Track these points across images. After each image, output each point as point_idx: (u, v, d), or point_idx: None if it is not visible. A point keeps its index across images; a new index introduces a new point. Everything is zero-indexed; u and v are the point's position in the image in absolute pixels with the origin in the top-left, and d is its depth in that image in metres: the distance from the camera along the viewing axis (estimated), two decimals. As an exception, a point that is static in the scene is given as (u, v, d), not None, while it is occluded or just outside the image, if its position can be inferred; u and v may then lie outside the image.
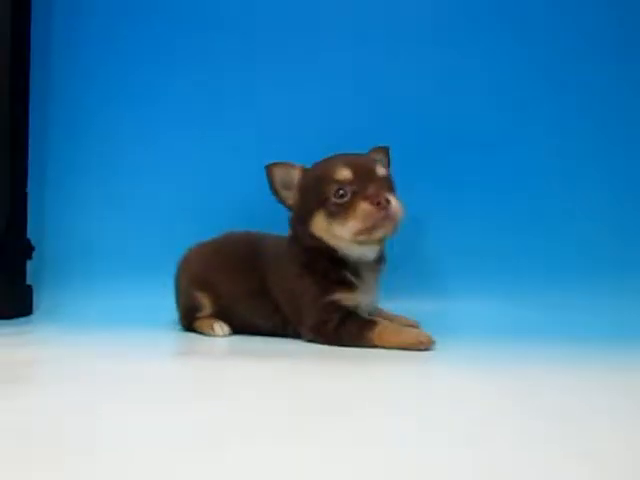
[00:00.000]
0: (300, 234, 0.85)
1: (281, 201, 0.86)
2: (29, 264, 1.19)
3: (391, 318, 0.89)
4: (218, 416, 0.44)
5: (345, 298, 0.81)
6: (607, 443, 0.39)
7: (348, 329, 0.79)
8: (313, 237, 0.82)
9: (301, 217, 0.84)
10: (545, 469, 0.34)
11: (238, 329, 0.91)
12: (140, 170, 1.20)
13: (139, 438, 0.39)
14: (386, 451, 0.36)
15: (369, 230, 0.77)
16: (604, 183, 1.06)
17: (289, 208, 0.86)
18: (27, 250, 1.18)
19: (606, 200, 1.06)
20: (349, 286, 0.82)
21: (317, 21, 1.16)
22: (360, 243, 0.80)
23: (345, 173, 0.78)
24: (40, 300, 1.18)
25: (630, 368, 0.68)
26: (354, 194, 0.77)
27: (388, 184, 0.81)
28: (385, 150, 0.89)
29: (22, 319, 1.12)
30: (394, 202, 0.77)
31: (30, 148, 1.19)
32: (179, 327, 0.98)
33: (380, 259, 0.87)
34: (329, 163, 0.82)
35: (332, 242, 0.81)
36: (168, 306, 0.99)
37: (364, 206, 0.76)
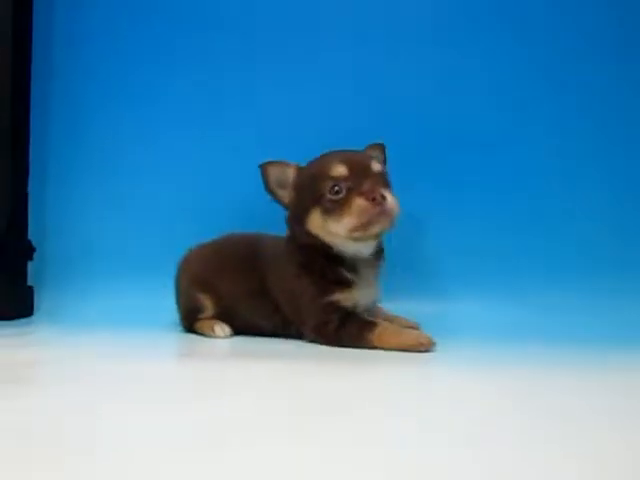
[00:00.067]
0: (297, 232, 0.85)
1: (277, 200, 0.86)
2: (30, 265, 1.19)
3: (391, 319, 0.89)
4: (218, 416, 0.45)
5: (344, 298, 0.81)
6: (607, 443, 0.39)
7: (348, 330, 0.78)
8: (309, 235, 0.82)
9: (297, 215, 0.84)
10: (545, 469, 0.34)
11: (240, 330, 0.91)
12: (141, 170, 1.20)
13: (139, 438, 0.39)
14: (386, 451, 0.37)
15: (365, 226, 0.77)
16: (604, 183, 1.06)
17: (285, 207, 0.86)
18: (28, 251, 1.18)
19: (606, 200, 1.05)
20: (347, 285, 0.82)
21: (317, 21, 1.16)
22: (356, 239, 0.80)
23: (340, 169, 0.78)
24: (41, 301, 1.19)
25: (630, 368, 0.68)
26: (349, 190, 0.77)
27: (383, 180, 0.81)
28: (381, 147, 0.89)
29: (23, 320, 1.12)
30: (390, 198, 0.77)
31: (31, 149, 1.19)
32: (180, 328, 0.98)
33: (378, 255, 0.87)
34: (324, 160, 0.82)
35: (328, 239, 0.81)
36: (169, 307, 1.00)
37: (359, 202, 0.76)
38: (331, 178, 0.78)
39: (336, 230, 0.79)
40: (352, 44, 1.14)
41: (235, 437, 0.39)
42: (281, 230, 0.91)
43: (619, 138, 1.06)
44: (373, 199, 0.75)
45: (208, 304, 0.93)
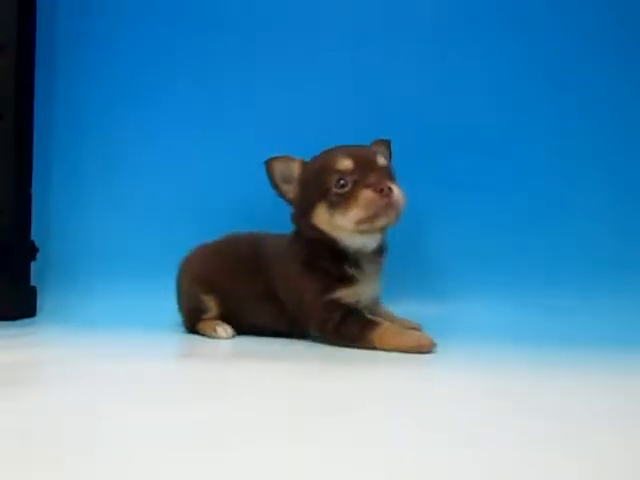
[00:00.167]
0: (302, 227, 0.85)
1: (282, 195, 0.85)
2: (33, 265, 1.19)
3: (392, 320, 0.90)
4: (218, 416, 0.45)
5: (346, 295, 0.82)
6: (607, 443, 0.39)
7: (349, 328, 0.79)
8: (315, 229, 0.82)
9: (302, 210, 0.84)
10: (545, 469, 0.34)
11: (245, 330, 0.91)
12: (143, 172, 1.21)
13: (139, 438, 0.39)
14: (386, 451, 0.37)
15: (371, 218, 0.77)
16: (604, 183, 1.06)
17: (290, 202, 0.86)
18: (31, 251, 1.18)
19: (606, 200, 1.05)
20: (350, 281, 0.82)
21: (317, 21, 1.16)
22: (362, 232, 0.80)
23: (346, 163, 0.78)
24: (44, 301, 1.19)
25: (630, 369, 0.68)
26: (355, 183, 0.77)
27: (389, 174, 0.81)
28: (386, 143, 0.89)
29: (26, 320, 1.12)
30: (396, 190, 0.77)
31: (35, 150, 1.20)
32: (182, 329, 0.98)
33: (381, 250, 0.87)
34: (329, 154, 0.82)
35: (334, 233, 0.81)
36: (171, 307, 1.00)
37: (367, 194, 0.76)
38: (337, 172, 0.78)
39: (342, 223, 0.79)
40: (351, 44, 1.14)
41: (235, 437, 0.39)
42: (282, 230, 0.91)
43: (619, 138, 1.06)
44: (380, 190, 0.75)
45: (212, 305, 0.93)
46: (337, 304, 0.81)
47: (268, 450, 0.37)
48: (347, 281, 0.82)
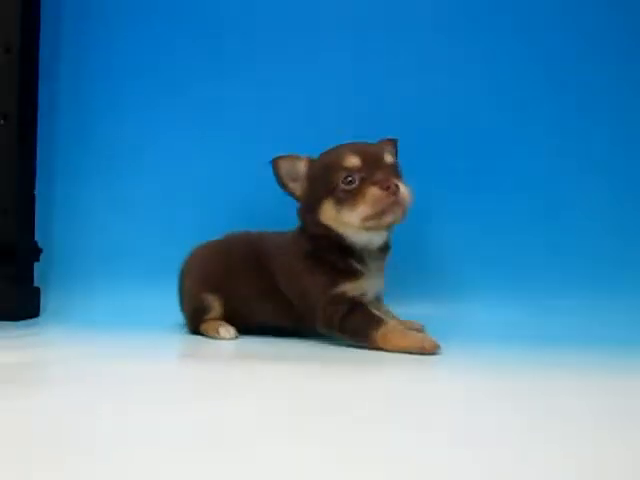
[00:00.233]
0: (308, 223, 0.85)
1: (289, 193, 0.86)
2: (37, 266, 1.20)
3: (385, 314, 0.91)
4: (219, 416, 0.45)
5: (352, 288, 0.82)
6: (607, 443, 0.39)
7: (354, 322, 0.79)
8: (321, 225, 0.83)
9: (309, 206, 0.84)
10: (545, 469, 0.34)
11: (250, 328, 0.91)
12: (145, 172, 1.21)
13: (140, 438, 0.39)
14: (386, 451, 0.37)
15: (378, 215, 0.77)
16: (604, 183, 1.06)
17: (297, 199, 0.87)
18: (35, 252, 1.18)
19: (606, 200, 1.05)
20: (355, 275, 0.82)
21: (317, 21, 1.16)
22: (368, 229, 0.80)
23: (353, 160, 0.79)
24: (47, 302, 1.19)
25: (630, 369, 0.68)
26: (362, 180, 0.78)
27: (396, 172, 0.82)
28: (393, 142, 0.90)
29: (29, 321, 1.12)
30: (403, 188, 0.77)
31: (38, 151, 1.20)
32: (185, 330, 0.98)
33: (385, 248, 0.87)
34: (336, 151, 0.83)
35: (340, 230, 0.82)
36: (175, 308, 1.00)
37: (374, 191, 0.76)
38: (344, 169, 0.79)
39: (349, 220, 0.79)
40: (352, 44, 1.14)
41: (235, 437, 0.40)
42: (282, 229, 0.91)
43: (619, 138, 1.06)
44: (387, 188, 0.75)
45: (215, 304, 0.93)
46: (343, 297, 0.81)
47: (268, 450, 0.37)
48: (352, 275, 0.82)
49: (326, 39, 1.15)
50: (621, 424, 0.45)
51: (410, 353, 0.74)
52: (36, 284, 1.19)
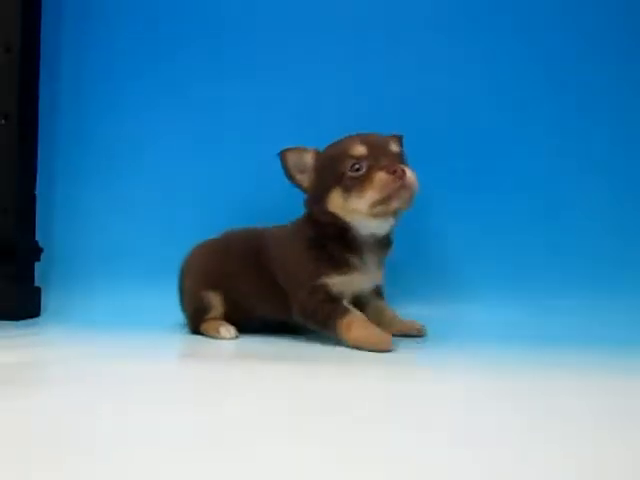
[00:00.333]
0: (315, 213, 0.86)
1: (297, 185, 0.87)
2: (37, 266, 1.20)
3: (395, 321, 0.91)
4: (219, 416, 0.45)
5: (339, 282, 0.83)
6: (607, 443, 0.39)
7: (323, 312, 0.81)
8: (328, 214, 0.83)
9: (317, 197, 0.85)
10: (545, 469, 0.34)
11: (251, 324, 0.91)
12: (143, 172, 1.21)
13: (140, 438, 0.39)
14: (386, 451, 0.37)
15: (386, 200, 0.78)
16: (604, 183, 1.06)
17: (305, 191, 0.87)
18: (36, 252, 1.19)
19: (606, 200, 1.05)
20: (346, 268, 0.83)
21: (317, 21, 1.16)
22: (376, 215, 0.81)
23: (360, 149, 0.80)
24: (48, 301, 1.19)
25: (630, 369, 0.68)
26: (369, 167, 0.79)
27: (402, 160, 0.83)
28: (398, 138, 0.90)
29: (30, 320, 1.13)
30: (409, 173, 0.78)
31: (39, 151, 1.20)
32: (186, 330, 0.98)
33: (387, 243, 0.88)
34: (343, 142, 0.84)
35: (348, 218, 0.82)
36: (175, 308, 1.00)
37: (381, 175, 0.77)
38: (351, 157, 0.80)
39: (357, 206, 0.80)
40: (352, 44, 1.14)
41: (235, 437, 0.40)
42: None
43: (619, 138, 1.06)
44: (394, 172, 0.76)
45: (216, 302, 0.94)
46: (324, 290, 0.82)
47: (268, 450, 0.37)
48: (344, 268, 0.83)
49: (326, 39, 1.15)
50: (621, 424, 0.45)
51: (364, 348, 0.76)
52: (37, 284, 1.20)
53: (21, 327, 1.03)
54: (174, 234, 1.15)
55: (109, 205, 1.22)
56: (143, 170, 1.21)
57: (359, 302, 0.91)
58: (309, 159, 0.86)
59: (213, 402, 0.50)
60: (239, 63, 1.19)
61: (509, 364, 0.69)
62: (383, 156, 0.79)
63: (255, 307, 0.92)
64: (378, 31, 1.14)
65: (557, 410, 0.48)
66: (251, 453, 0.36)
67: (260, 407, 0.48)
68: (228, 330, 0.90)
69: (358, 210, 0.80)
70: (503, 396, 0.54)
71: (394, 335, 0.90)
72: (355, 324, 0.78)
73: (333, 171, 0.81)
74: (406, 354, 0.74)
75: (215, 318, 0.94)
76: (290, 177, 0.86)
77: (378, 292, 0.93)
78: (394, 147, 0.83)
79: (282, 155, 0.85)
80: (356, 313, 0.80)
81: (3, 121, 1.13)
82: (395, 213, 0.83)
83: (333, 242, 0.84)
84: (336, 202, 0.82)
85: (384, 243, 0.88)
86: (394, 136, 0.89)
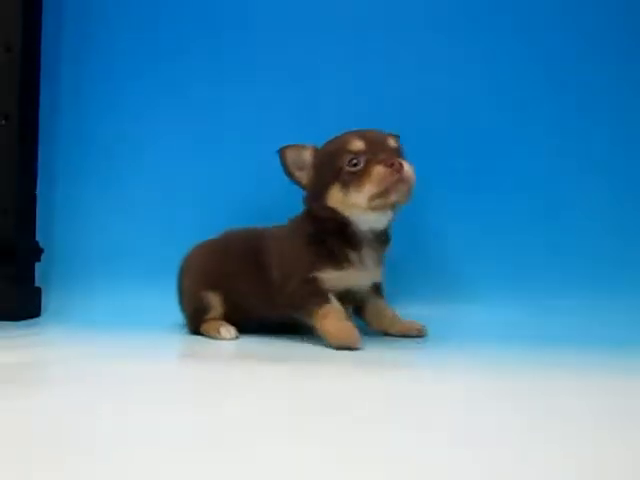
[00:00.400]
0: (314, 209, 0.86)
1: (296, 182, 0.87)
2: (38, 266, 1.20)
3: (394, 320, 0.91)
4: (219, 416, 0.45)
5: (335, 277, 0.83)
6: (607, 443, 0.39)
7: (305, 299, 0.81)
8: (327, 209, 0.84)
9: (316, 193, 0.85)
10: (545, 469, 0.34)
11: (252, 323, 0.91)
12: (143, 172, 1.21)
13: (140, 438, 0.39)
14: (386, 451, 0.37)
15: (384, 194, 0.78)
16: (604, 183, 1.06)
17: (304, 188, 0.88)
18: (36, 252, 1.18)
19: (606, 200, 1.05)
20: (343, 263, 0.84)
21: (317, 21, 1.16)
22: (375, 209, 0.81)
23: (358, 144, 0.81)
24: (48, 302, 1.19)
25: (630, 369, 0.68)
26: (367, 162, 0.79)
27: (400, 155, 0.83)
28: (395, 137, 0.90)
29: (30, 321, 1.12)
30: (407, 166, 0.78)
31: (39, 151, 1.20)
32: (185, 330, 0.98)
33: (385, 239, 0.88)
34: (341, 137, 0.84)
35: (347, 212, 0.83)
36: (175, 308, 1.00)
37: (379, 169, 0.77)
38: (349, 152, 0.80)
39: (356, 200, 0.80)
40: (352, 44, 1.14)
41: (235, 437, 0.40)
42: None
43: (619, 138, 1.06)
44: (391, 165, 0.77)
45: (215, 302, 0.94)
46: (315, 283, 0.82)
47: (268, 450, 0.37)
48: (341, 263, 0.84)
49: (326, 39, 1.15)
50: (621, 424, 0.45)
51: (334, 344, 0.77)
52: (37, 284, 1.19)
53: (21, 327, 1.03)
54: (174, 234, 1.15)
55: (109, 205, 1.22)
56: (143, 170, 1.21)
57: (359, 301, 0.91)
58: (308, 156, 0.86)
59: (213, 402, 0.51)
60: (239, 63, 1.19)
61: (509, 364, 0.69)
62: (381, 151, 0.80)
63: (255, 307, 0.92)
64: (378, 31, 1.14)
65: (557, 410, 0.48)
66: (251, 453, 0.36)
67: (260, 407, 0.48)
68: (228, 330, 0.90)
69: (357, 204, 0.81)
70: (503, 396, 0.54)
71: (394, 335, 0.91)
72: (330, 315, 0.79)
73: (331, 167, 0.82)
74: (406, 354, 0.74)
75: (215, 318, 0.94)
76: (289, 174, 0.87)
77: (378, 291, 0.93)
78: (392, 142, 0.83)
79: (281, 152, 0.86)
80: (335, 306, 0.81)
81: (3, 121, 1.13)
82: (393, 206, 0.83)
83: (332, 237, 0.84)
84: (335, 197, 0.82)
85: (382, 239, 0.88)
86: (391, 134, 0.89)
